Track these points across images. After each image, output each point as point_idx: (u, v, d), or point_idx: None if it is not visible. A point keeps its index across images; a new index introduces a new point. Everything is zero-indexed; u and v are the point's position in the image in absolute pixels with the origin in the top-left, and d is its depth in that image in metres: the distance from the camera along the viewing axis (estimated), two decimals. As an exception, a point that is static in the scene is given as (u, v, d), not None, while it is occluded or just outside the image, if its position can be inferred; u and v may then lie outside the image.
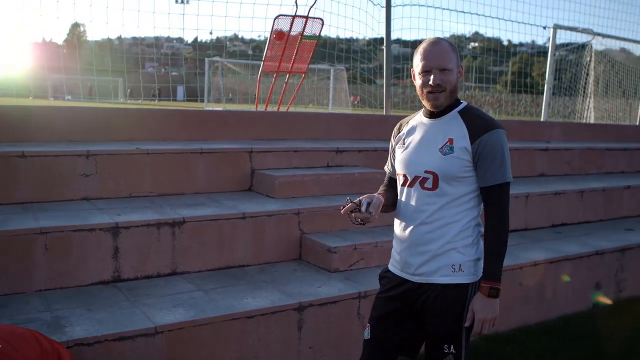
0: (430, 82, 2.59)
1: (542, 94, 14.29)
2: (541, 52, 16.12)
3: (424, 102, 2.70)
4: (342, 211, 2.57)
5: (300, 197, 5.43)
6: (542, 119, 13.38)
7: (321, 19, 8.43)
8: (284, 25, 8.17)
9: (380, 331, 2.81)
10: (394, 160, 2.89)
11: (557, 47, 14.70)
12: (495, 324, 2.64)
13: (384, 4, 8.04)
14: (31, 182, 4.73)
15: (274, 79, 9.09)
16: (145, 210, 4.62)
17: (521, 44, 20.35)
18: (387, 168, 3.01)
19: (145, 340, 3.43)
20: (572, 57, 17.17)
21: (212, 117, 6.71)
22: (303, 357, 4.03)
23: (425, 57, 2.60)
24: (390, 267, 2.87)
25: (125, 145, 5.35)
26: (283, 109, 9.05)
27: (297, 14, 8.17)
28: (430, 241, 2.64)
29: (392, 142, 2.91)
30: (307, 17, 8.23)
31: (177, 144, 5.71)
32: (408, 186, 2.71)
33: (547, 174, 7.96)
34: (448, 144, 2.61)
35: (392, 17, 8.04)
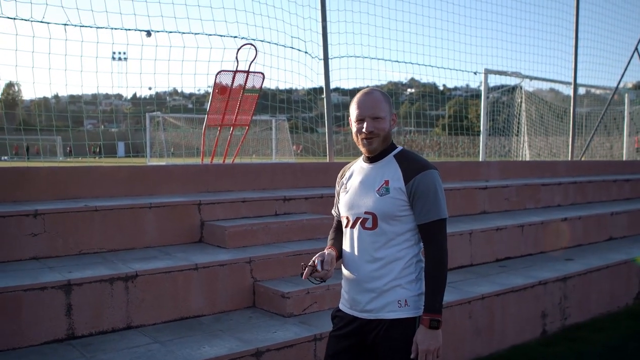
0: (364, 130, 2.81)
1: (479, 135, 14.84)
2: (475, 95, 16.78)
3: (360, 148, 2.91)
4: (303, 277, 2.73)
5: (251, 245, 5.50)
6: (480, 159, 13.87)
7: (262, 73, 8.67)
8: (226, 80, 8.36)
9: None
10: (338, 205, 3.09)
11: (490, 89, 15.39)
12: (439, 355, 2.76)
13: (322, 56, 8.33)
14: (-23, 245, 4.66)
15: (218, 132, 9.21)
16: (97, 266, 4.61)
17: (456, 88, 21.12)
18: (334, 212, 3.20)
19: (104, 395, 3.41)
20: (505, 98, 17.94)
21: (159, 171, 6.75)
22: (263, 402, 4.05)
23: (359, 106, 2.83)
24: (340, 306, 3.02)
25: (73, 203, 5.34)
26: (228, 160, 9.14)
27: (239, 69, 8.37)
28: (376, 279, 2.81)
29: (337, 187, 3.12)
30: (248, 72, 8.45)
31: (125, 199, 5.72)
32: (351, 227, 2.90)
33: (488, 211, 8.26)
34: (384, 185, 2.81)
35: (330, 69, 8.33)
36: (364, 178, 2.90)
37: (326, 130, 8.32)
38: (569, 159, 13.45)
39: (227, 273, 4.93)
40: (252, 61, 8.36)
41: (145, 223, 5.45)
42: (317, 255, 2.81)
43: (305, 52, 8.55)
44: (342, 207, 2.97)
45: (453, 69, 11.57)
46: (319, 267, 2.74)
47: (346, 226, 2.94)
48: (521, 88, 17.17)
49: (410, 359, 2.75)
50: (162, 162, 20.27)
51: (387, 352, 2.79)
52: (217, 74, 8.29)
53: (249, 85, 8.52)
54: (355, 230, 2.86)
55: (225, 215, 5.91)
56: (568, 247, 7.84)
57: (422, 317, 2.74)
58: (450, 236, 6.26)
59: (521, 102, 17.33)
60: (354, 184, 2.94)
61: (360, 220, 2.84)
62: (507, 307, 5.66)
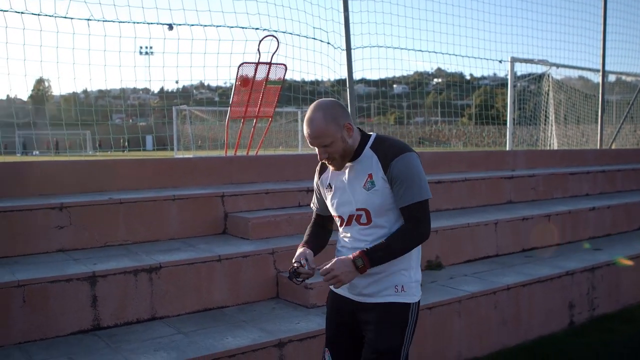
0: (319, 159, 2.80)
1: (506, 124, 14.66)
2: (502, 84, 16.56)
3: None
4: (299, 283, 2.76)
5: (274, 237, 5.51)
6: (507, 149, 13.71)
7: (284, 65, 8.65)
8: (248, 72, 8.35)
9: (338, 351, 2.98)
10: (318, 198, 3.07)
11: (517, 78, 15.17)
12: (336, 286, 2.74)
13: (344, 47, 8.29)
14: (4, 237, 4.75)
15: (241, 124, 9.23)
16: (122, 258, 4.66)
17: (483, 77, 20.88)
18: (313, 205, 3.16)
19: (128, 385, 3.45)
20: (532, 87, 17.67)
21: (183, 164, 6.80)
22: (286, 393, 4.06)
23: (307, 136, 2.75)
24: (335, 290, 2.99)
25: (98, 196, 5.40)
26: (252, 153, 9.17)
27: (261, 60, 8.37)
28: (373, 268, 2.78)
29: (317, 180, 3.06)
30: (270, 64, 8.44)
31: (149, 192, 5.77)
32: (346, 225, 2.88)
33: (515, 201, 8.16)
34: (369, 179, 2.77)
35: (353, 59, 8.29)
36: (348, 176, 2.85)
37: (350, 121, 8.26)
38: (598, 147, 13.23)
39: (250, 264, 4.95)
40: (274, 53, 8.35)
41: (169, 215, 5.49)
42: (298, 255, 2.78)
43: (328, 43, 8.52)
44: (332, 208, 2.94)
45: (479, 57, 11.43)
46: (306, 267, 2.72)
47: (340, 225, 2.92)
48: (549, 76, 16.90)
49: (405, 344, 2.80)
50: (189, 154, 20.41)
51: (378, 335, 2.79)
52: (240, 66, 8.29)
53: (271, 77, 8.51)
54: (351, 227, 2.85)
55: (248, 206, 5.93)
56: (596, 236, 7.72)
57: (356, 253, 2.69)
58: (475, 226, 6.31)
59: (549, 90, 17.06)
60: (339, 183, 2.89)
61: (354, 217, 2.83)
62: (533, 298, 5.59)
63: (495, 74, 17.27)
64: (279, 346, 4.02)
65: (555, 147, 16.60)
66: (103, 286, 4.27)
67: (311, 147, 2.78)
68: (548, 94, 17.16)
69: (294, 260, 2.76)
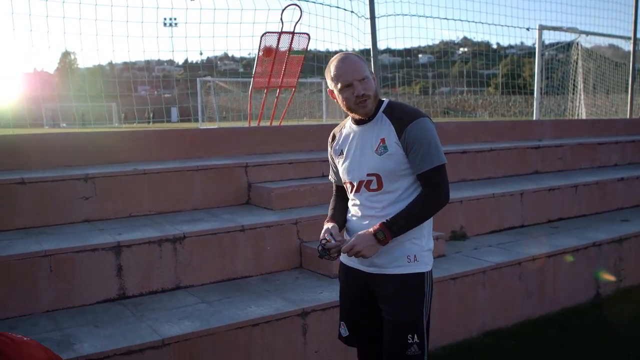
0: (356, 94, 2.70)
1: (534, 94, 14.42)
2: (531, 52, 16.24)
3: (353, 115, 2.81)
4: (332, 259, 2.74)
5: (298, 207, 5.50)
6: (534, 118, 13.50)
7: (307, 34, 8.57)
8: (271, 42, 8.29)
9: (354, 324, 2.99)
10: (334, 170, 3.04)
11: (545, 47, 14.86)
12: (358, 257, 2.69)
13: (368, 15, 8.17)
14: (32, 208, 4.81)
15: (264, 95, 9.20)
16: (146, 228, 4.70)
17: (510, 46, 20.49)
18: (331, 178, 3.13)
19: (153, 352, 3.49)
20: (560, 56, 17.33)
21: (206, 134, 6.80)
22: (309, 362, 4.09)
23: (342, 73, 2.70)
24: (345, 261, 2.96)
25: (123, 167, 5.43)
26: (276, 123, 9.14)
27: (283, 30, 8.29)
28: None
29: (330, 151, 3.03)
30: (293, 33, 8.36)
31: (173, 162, 5.79)
32: (355, 192, 2.83)
33: (541, 171, 8.04)
34: (381, 144, 2.72)
35: (377, 28, 8.16)
36: (359, 141, 2.82)
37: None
38: (628, 117, 12.96)
39: (273, 234, 4.96)
40: (297, 22, 8.27)
41: (193, 186, 5.51)
42: (323, 232, 2.76)
43: (351, 12, 8.40)
44: (343, 174, 2.89)
45: (506, 25, 11.19)
46: (333, 241, 2.69)
47: (351, 192, 2.87)
48: (578, 44, 16.52)
49: (425, 316, 2.78)
50: (214, 126, 20.48)
51: (395, 309, 2.76)
52: (262, 36, 8.23)
53: (294, 46, 8.43)
54: (360, 194, 2.81)
55: (272, 177, 5.92)
56: (624, 207, 7.59)
57: (377, 226, 2.66)
58: (500, 196, 6.25)
59: (577, 59, 16.70)
60: (350, 148, 2.85)
61: (364, 184, 2.78)
62: (559, 269, 5.53)
63: (522, 43, 17.00)
64: (302, 315, 4.04)
65: (584, 117, 16.30)
66: (128, 256, 4.31)
67: (343, 91, 2.71)
68: (577, 63, 16.81)
69: (320, 238, 2.73)
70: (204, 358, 3.67)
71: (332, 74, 2.73)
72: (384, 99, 2.84)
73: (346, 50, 2.92)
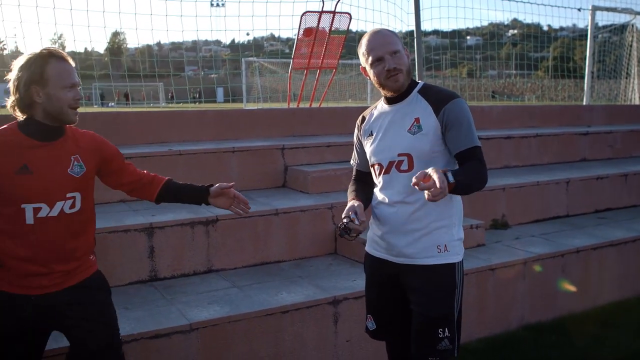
0: (387, 67, 2.58)
1: (584, 78, 13.96)
2: (583, 35, 15.68)
3: (384, 91, 2.69)
4: (351, 239, 2.58)
5: (334, 191, 5.40)
6: (584, 103, 13.07)
7: (349, 14, 8.40)
8: (311, 21, 8.15)
9: (382, 318, 2.87)
10: (358, 153, 2.92)
11: (598, 29, 14.34)
12: (436, 198, 2.24)
13: (411, -7, 7.96)
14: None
15: (304, 76, 9.09)
16: (179, 210, 4.66)
17: (562, 28, 19.95)
18: (353, 162, 3.00)
19: (181, 337, 3.46)
20: (614, 38, 16.72)
21: (244, 115, 6.74)
22: (340, 350, 4.01)
23: (374, 46, 2.60)
24: (371, 251, 2.84)
25: (158, 147, 5.41)
26: (315, 104, 9.04)
27: (324, 9, 8.15)
28: (415, 221, 2.63)
29: (357, 134, 2.91)
30: (334, 12, 8.21)
31: (210, 143, 5.75)
32: (384, 174, 2.70)
33: (589, 159, 7.76)
34: (415, 123, 2.61)
35: (421, 8, 7.94)
36: (391, 120, 2.70)
37: (416, 73, 8.01)
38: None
39: (308, 219, 4.87)
40: (338, 1, 8.11)
41: (229, 167, 5.46)
42: (347, 209, 2.59)
43: (394, -11, 8.19)
44: (372, 156, 2.76)
45: (556, 5, 10.80)
46: (356, 221, 2.52)
47: (379, 174, 2.74)
48: (633, 26, 15.87)
49: (457, 309, 2.67)
50: (258, 106, 20.50)
51: (425, 301, 2.64)
52: (302, 15, 8.10)
53: (335, 26, 8.28)
54: (390, 176, 2.68)
55: (309, 160, 5.83)
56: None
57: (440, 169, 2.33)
58: (544, 184, 6.04)
59: (632, 41, 16.05)
60: (381, 128, 2.74)
61: (394, 164, 2.65)
62: (604, 262, 5.30)
63: (574, 25, 16.45)
64: (334, 303, 3.95)
65: (637, 103, 15.71)
66: (160, 237, 4.29)
67: (374, 65, 2.60)
68: (631, 46, 16.17)
69: (343, 215, 2.59)
70: (231, 344, 3.62)
71: (363, 49, 2.64)
72: (418, 81, 2.74)
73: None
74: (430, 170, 2.24)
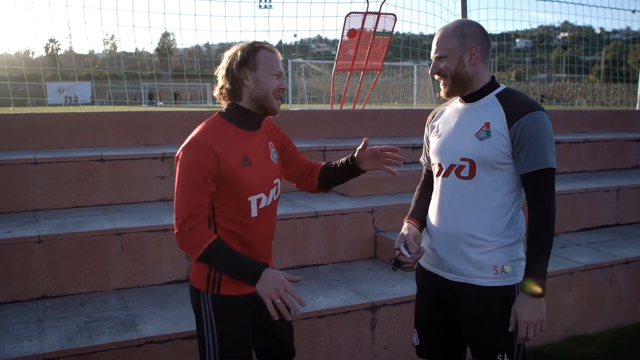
0: (429, 72, 2.45)
1: (638, 82, 13.54)
2: (637, 38, 15.26)
3: None
4: (406, 271, 2.50)
5: (375, 195, 5.33)
6: (636, 109, 12.66)
7: (393, 15, 8.30)
8: (355, 22, 8.08)
9: (428, 335, 2.68)
10: (427, 150, 2.73)
11: (653, 31, 13.88)
12: (542, 328, 2.34)
13: (458, -5, 7.82)
14: (110, 185, 4.88)
15: (348, 78, 9.02)
16: (218, 210, 4.65)
17: (615, 31, 19.39)
18: (422, 160, 2.82)
19: (215, 339, 3.42)
20: (672, 41, 16.23)
21: (287, 117, 6.71)
22: (377, 357, 3.93)
23: (432, 48, 2.46)
24: (423, 264, 2.65)
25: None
26: (359, 107, 8.96)
27: (369, 10, 8.07)
28: (470, 237, 2.42)
29: (427, 130, 2.72)
30: (379, 14, 8.12)
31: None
32: (443, 176, 2.51)
33: (642, 166, 7.50)
34: (485, 128, 2.38)
35: (468, 9, 7.80)
36: (459, 120, 2.49)
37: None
38: None
39: (348, 222, 4.81)
40: (383, 2, 8.02)
41: (269, 169, 5.42)
42: (398, 239, 2.47)
43: (441, -9, 8.07)
44: (433, 154, 2.57)
45: (608, 7, 10.46)
46: (406, 254, 2.41)
47: (438, 175, 2.53)
48: (691, 29, 15.36)
49: (508, 332, 2.37)
50: (304, 107, 20.52)
51: (482, 325, 2.44)
52: (347, 16, 8.04)
53: (380, 27, 8.19)
54: (449, 180, 2.48)
55: (350, 162, 5.75)
56: None
57: (523, 282, 2.34)
58: (594, 192, 5.83)
59: (690, 44, 15.54)
60: (447, 127, 2.53)
61: (455, 168, 2.44)
62: (656, 274, 5.09)
63: (628, 28, 16.00)
64: (372, 309, 3.87)
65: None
66: (198, 238, 4.28)
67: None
68: (689, 49, 15.63)
69: (395, 246, 2.46)
70: (266, 347, 3.57)
71: None
72: (502, 84, 2.50)
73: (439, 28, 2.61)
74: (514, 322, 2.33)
